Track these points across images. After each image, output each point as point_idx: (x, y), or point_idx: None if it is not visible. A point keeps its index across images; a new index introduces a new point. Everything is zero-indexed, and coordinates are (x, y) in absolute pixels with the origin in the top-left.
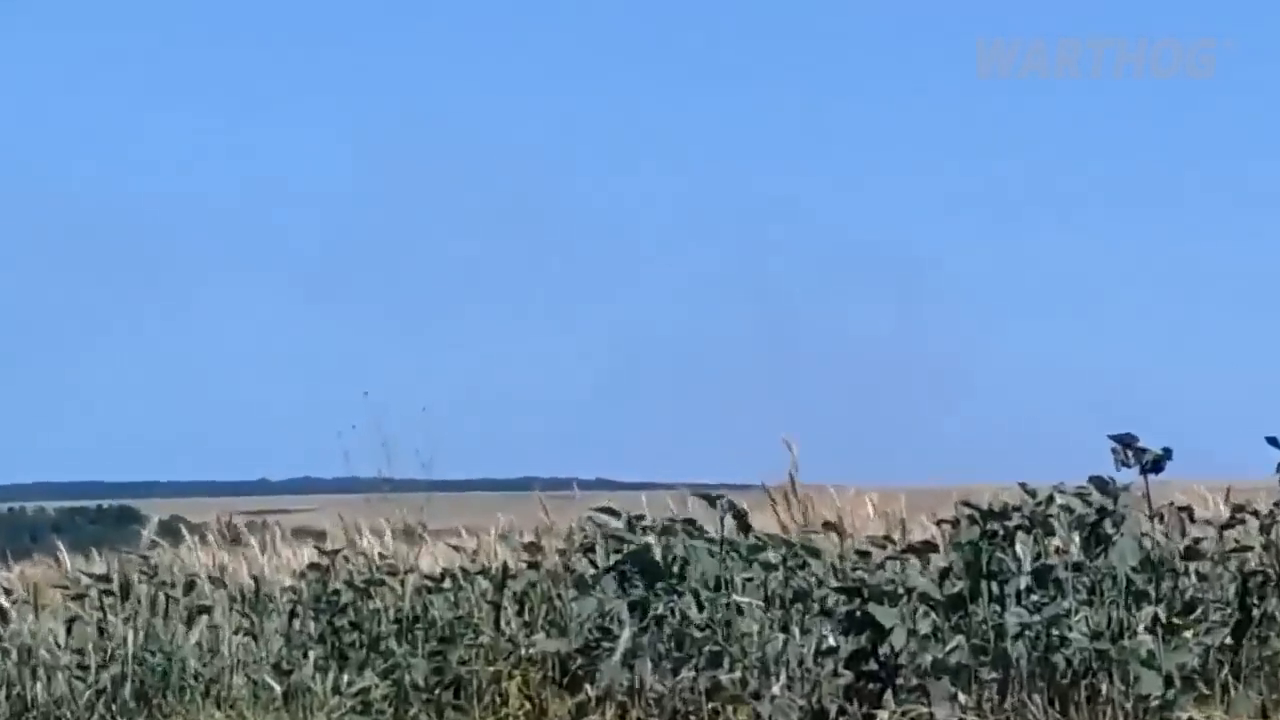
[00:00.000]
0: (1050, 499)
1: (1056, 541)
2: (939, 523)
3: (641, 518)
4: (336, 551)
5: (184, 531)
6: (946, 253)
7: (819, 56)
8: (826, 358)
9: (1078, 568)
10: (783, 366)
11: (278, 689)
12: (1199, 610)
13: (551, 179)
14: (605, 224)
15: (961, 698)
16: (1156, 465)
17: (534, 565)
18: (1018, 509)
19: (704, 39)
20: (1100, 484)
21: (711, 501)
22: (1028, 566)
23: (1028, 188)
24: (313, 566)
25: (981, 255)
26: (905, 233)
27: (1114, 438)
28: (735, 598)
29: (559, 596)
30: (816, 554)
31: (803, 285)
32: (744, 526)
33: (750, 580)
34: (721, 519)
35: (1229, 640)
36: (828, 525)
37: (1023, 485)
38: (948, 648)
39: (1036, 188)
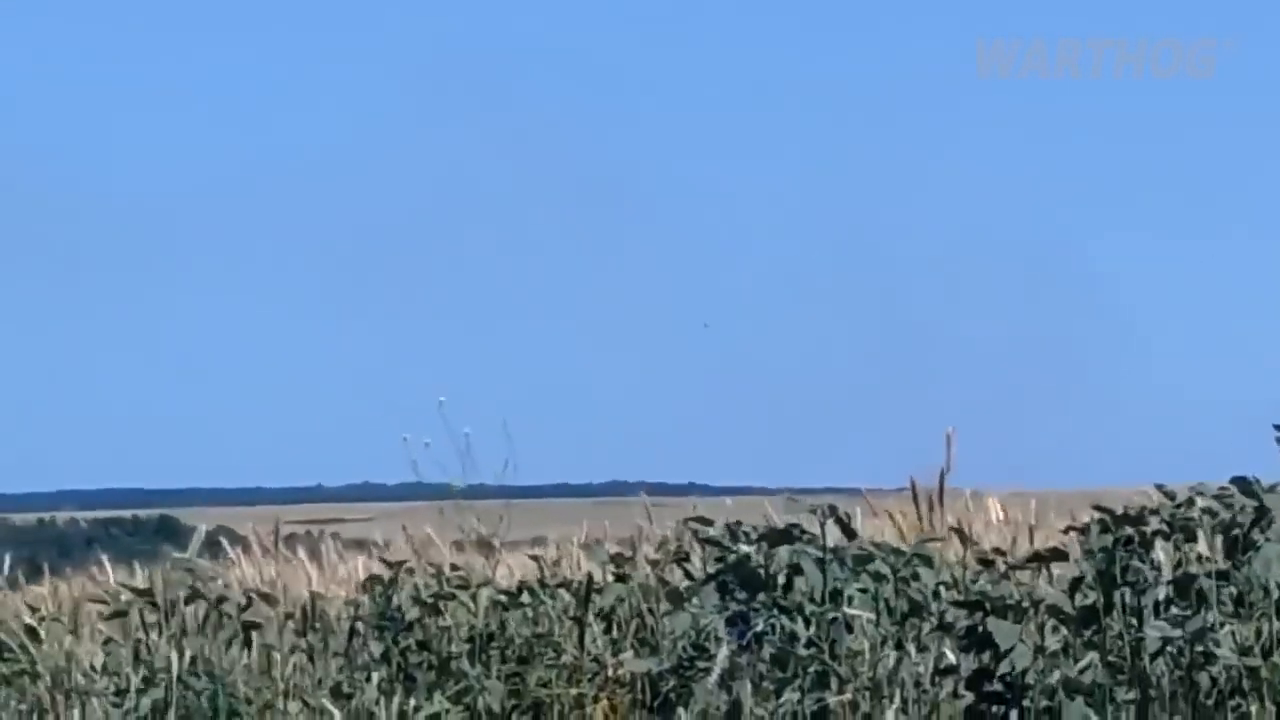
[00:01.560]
0: (1190, 501)
1: (1198, 549)
2: (1068, 529)
3: (741, 524)
4: (402, 563)
5: (225, 544)
6: (1075, 244)
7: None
8: (939, 357)
9: (1223, 576)
10: (889, 365)
11: (337, 715)
12: None
13: (641, 168)
14: (699, 216)
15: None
16: None
17: (622, 578)
18: (1155, 513)
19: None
20: (1243, 485)
21: (818, 509)
22: (1168, 575)
23: (1160, 182)
24: (374, 579)
25: (1113, 247)
26: (1031, 222)
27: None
28: (846, 610)
29: (650, 611)
30: (930, 562)
31: (914, 279)
32: (849, 533)
33: (863, 592)
34: (823, 524)
35: None
36: (955, 530)
37: (1159, 487)
38: (1079, 665)
39: (1170, 183)
